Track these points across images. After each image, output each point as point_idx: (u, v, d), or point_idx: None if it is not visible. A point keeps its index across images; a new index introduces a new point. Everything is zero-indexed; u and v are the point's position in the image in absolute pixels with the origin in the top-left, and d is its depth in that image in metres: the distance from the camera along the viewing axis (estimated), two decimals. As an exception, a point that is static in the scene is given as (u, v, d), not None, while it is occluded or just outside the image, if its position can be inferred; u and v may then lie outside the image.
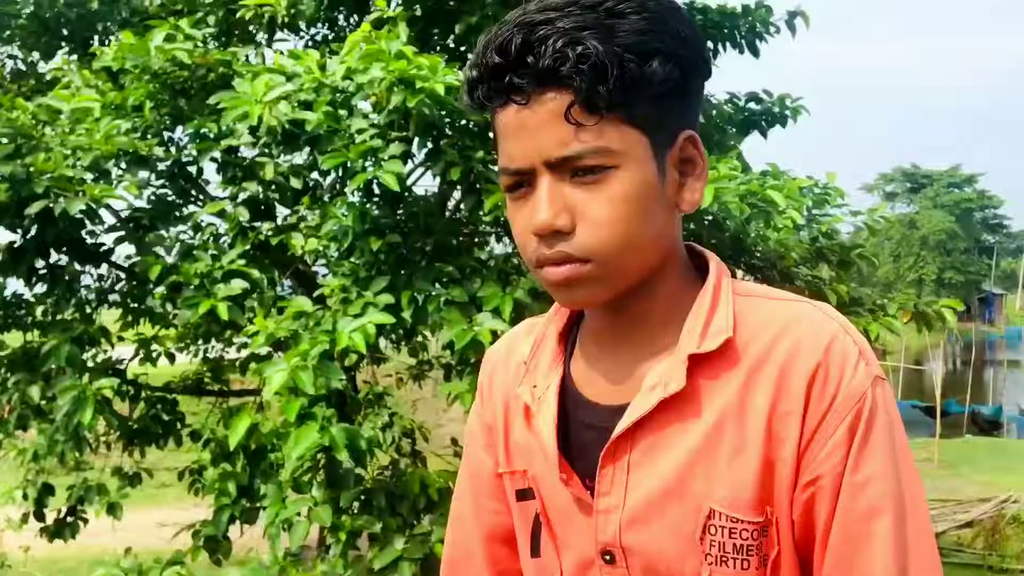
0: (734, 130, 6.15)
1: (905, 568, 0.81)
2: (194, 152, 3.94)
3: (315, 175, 3.89)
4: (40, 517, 4.28)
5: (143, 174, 3.88)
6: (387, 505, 3.64)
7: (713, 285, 0.90)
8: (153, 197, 4.08)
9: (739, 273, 4.46)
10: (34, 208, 3.30)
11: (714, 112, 5.73)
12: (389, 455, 4.19)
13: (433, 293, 3.26)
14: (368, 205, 3.28)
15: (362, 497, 3.68)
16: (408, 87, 2.85)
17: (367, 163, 3.21)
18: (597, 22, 0.80)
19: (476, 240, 3.91)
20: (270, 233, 3.79)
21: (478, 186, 3.15)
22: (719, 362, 0.86)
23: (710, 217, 3.53)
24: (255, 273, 3.65)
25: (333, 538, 3.58)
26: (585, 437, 0.92)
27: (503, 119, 0.85)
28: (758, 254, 3.89)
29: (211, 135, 3.80)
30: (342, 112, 3.28)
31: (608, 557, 0.90)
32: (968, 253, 48.68)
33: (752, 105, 6.10)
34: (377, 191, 3.35)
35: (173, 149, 4.10)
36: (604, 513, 0.89)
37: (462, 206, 3.40)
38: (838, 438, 0.82)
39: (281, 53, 3.68)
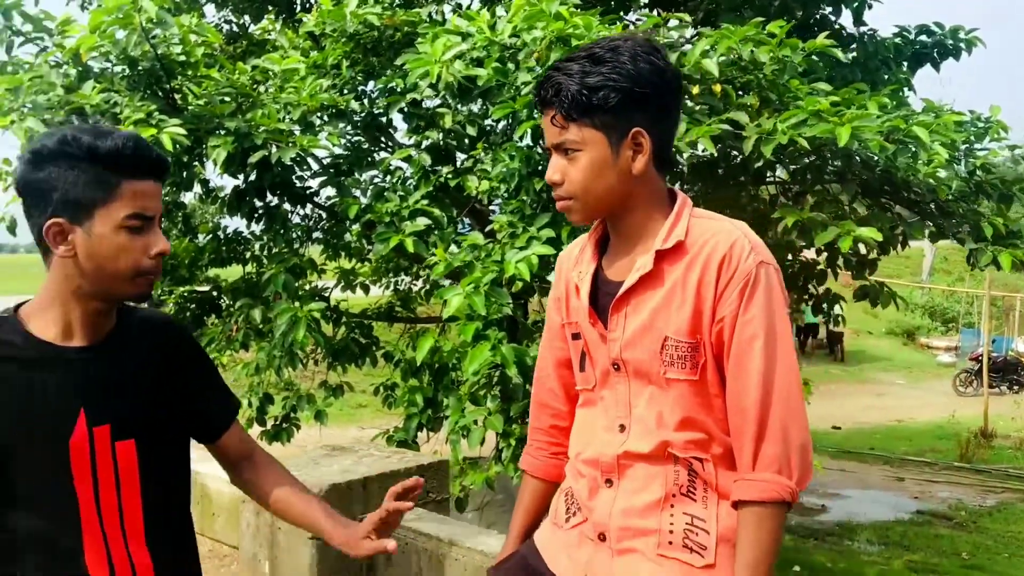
0: (904, 64, 6.08)
1: (772, 368, 1.39)
2: (383, 105, 4.46)
3: (488, 123, 4.32)
4: (261, 423, 5.04)
5: (341, 125, 4.44)
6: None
7: (676, 211, 1.50)
8: (350, 145, 4.65)
9: (897, 208, 4.56)
10: (255, 157, 3.92)
11: (876, 47, 5.70)
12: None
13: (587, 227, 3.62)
14: (533, 149, 3.66)
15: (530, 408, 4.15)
16: (565, 44, 3.20)
17: (533, 113, 3.58)
18: (581, 70, 1.42)
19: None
20: (449, 176, 4.28)
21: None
22: (674, 255, 1.46)
23: (858, 157, 3.69)
24: (436, 211, 4.15)
25: (504, 443, 4.08)
26: (604, 300, 1.54)
27: (543, 121, 1.52)
28: (914, 189, 4.00)
29: (398, 89, 4.30)
30: (510, 67, 3.66)
31: (616, 366, 1.52)
32: None
33: (923, 38, 6.00)
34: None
35: (366, 102, 4.64)
36: (613, 341, 1.51)
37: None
38: (734, 295, 1.41)
39: (458, 13, 4.10)
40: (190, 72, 4.24)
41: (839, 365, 17.96)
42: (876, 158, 3.60)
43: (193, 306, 5.68)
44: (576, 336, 1.59)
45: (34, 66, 4.12)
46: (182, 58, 4.15)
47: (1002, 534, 7.09)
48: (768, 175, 4.11)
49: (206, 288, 5.66)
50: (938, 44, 5.97)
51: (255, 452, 1.67)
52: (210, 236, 5.70)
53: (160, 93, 4.21)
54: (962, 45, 5.97)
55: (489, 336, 3.88)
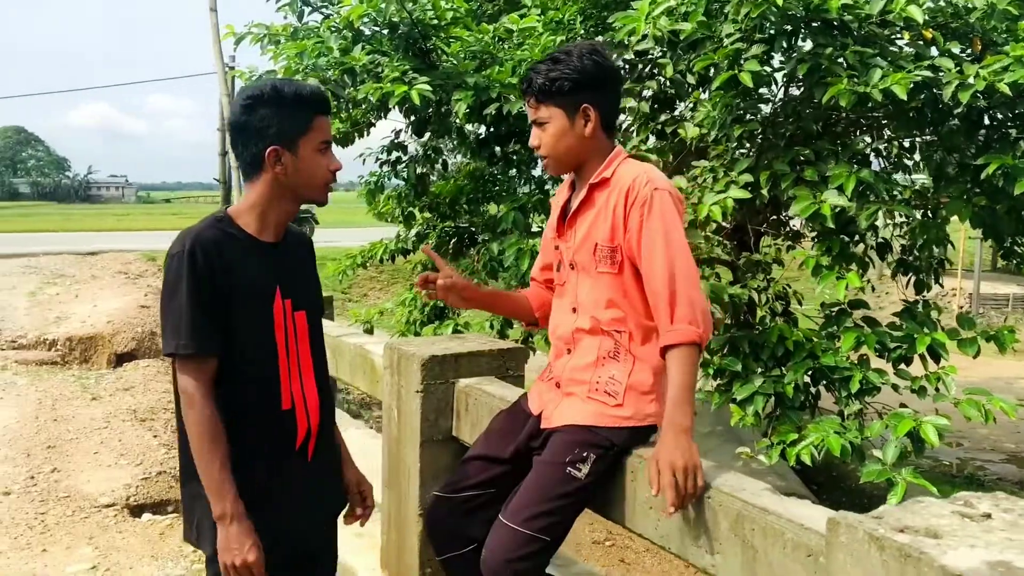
0: None
1: (672, 257, 1.87)
2: (611, 57, 4.83)
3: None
4: (502, 342, 5.68)
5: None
6: (750, 351, 4.35)
7: (608, 160, 2.05)
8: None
9: None
10: (490, 109, 4.47)
11: None
12: (763, 311, 4.85)
13: (788, 173, 3.81)
14: (731, 99, 3.90)
15: (730, 343, 4.43)
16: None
17: (735, 64, 3.81)
18: (546, 68, 1.96)
19: (841, 127, 4.32)
20: (667, 122, 4.59)
21: (823, 79, 3.60)
22: (602, 187, 2.03)
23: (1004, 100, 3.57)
24: (653, 157, 4.49)
25: (703, 372, 4.40)
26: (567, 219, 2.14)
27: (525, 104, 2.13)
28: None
29: (624, 42, 4.65)
30: (716, 20, 3.90)
31: (571, 266, 2.09)
32: None
33: None
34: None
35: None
36: (568, 248, 2.09)
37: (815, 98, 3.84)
38: (635, 211, 1.95)
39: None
40: (442, 33, 4.86)
41: None
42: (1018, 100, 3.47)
43: (454, 240, 6.45)
44: (557, 248, 2.16)
45: (318, 32, 4.93)
46: (435, 21, 4.78)
47: None
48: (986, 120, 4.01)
49: (465, 224, 6.39)
50: None
51: None
52: (468, 178, 6.40)
53: (418, 53, 4.88)
54: None
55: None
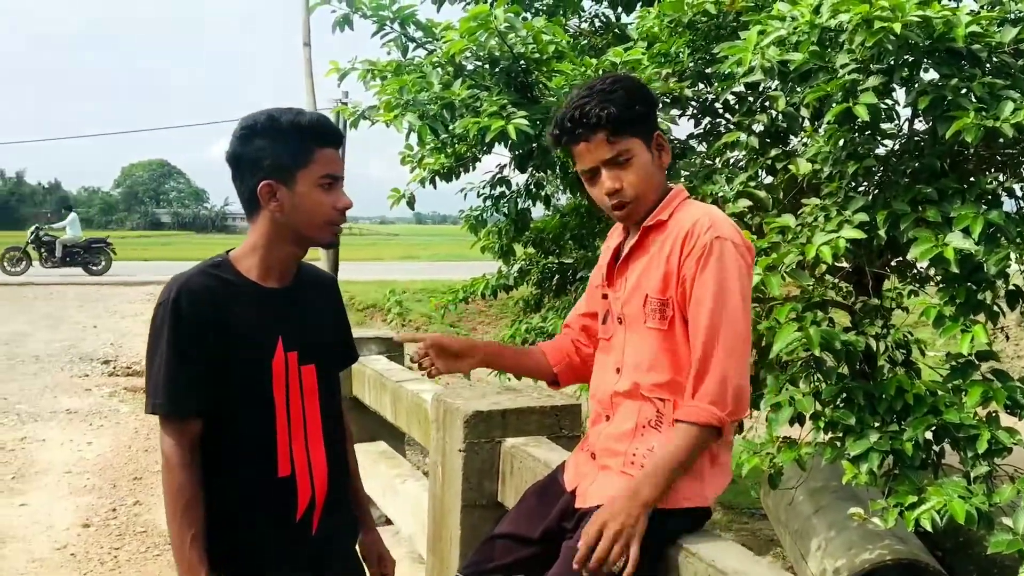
0: None
1: (718, 321, 1.66)
2: (718, 90, 4.63)
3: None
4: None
5: (674, 112, 4.70)
6: (865, 403, 4.02)
7: (667, 199, 1.87)
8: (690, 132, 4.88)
9: None
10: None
11: None
12: (881, 360, 4.50)
13: (908, 212, 3.52)
14: (847, 133, 3.64)
15: (844, 393, 4.11)
16: (868, 27, 3.17)
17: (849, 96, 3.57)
18: (605, 99, 1.75)
19: (971, 165, 3.98)
20: (777, 158, 4.35)
21: (947, 112, 3.30)
22: (658, 231, 1.84)
23: None
24: (761, 194, 4.26)
25: (813, 425, 4.10)
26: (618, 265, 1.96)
27: (576, 150, 1.87)
28: None
29: (733, 74, 4.44)
30: (830, 50, 3.67)
31: (619, 320, 1.90)
32: None
33: None
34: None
35: (703, 87, 4.84)
36: (617, 299, 1.91)
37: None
38: (692, 261, 1.76)
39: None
40: (544, 67, 4.77)
41: None
42: None
43: (556, 276, 6.34)
44: (605, 296, 1.96)
45: (420, 67, 4.92)
46: (536, 55, 4.69)
47: None
48: None
49: (570, 260, 6.27)
50: None
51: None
52: (573, 212, 6.28)
53: (519, 87, 4.80)
54: None
55: (806, 317, 3.94)
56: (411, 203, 6.04)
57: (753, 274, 1.89)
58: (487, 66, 4.77)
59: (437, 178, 5.65)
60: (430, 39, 5.14)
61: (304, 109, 1.80)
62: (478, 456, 2.26)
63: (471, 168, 5.78)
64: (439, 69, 4.86)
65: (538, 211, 6.37)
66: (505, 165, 6.08)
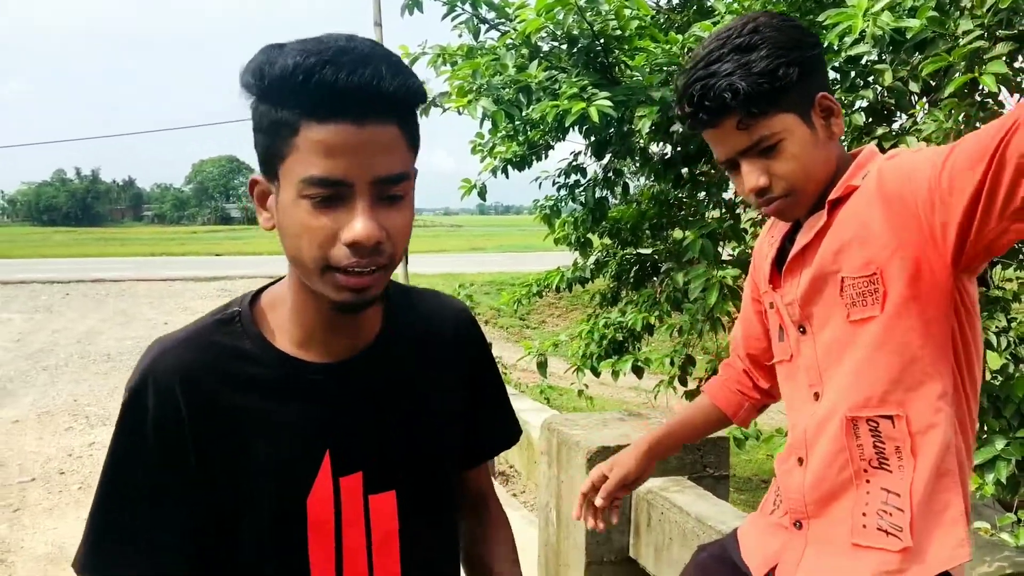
0: None
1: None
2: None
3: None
4: (683, 381, 5.19)
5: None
6: (990, 406, 3.65)
7: (857, 162, 1.36)
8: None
9: None
10: (677, 126, 4.02)
11: None
12: (1003, 358, 4.11)
13: None
14: (971, 107, 3.27)
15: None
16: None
17: (974, 65, 3.20)
18: (740, 63, 1.30)
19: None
20: (885, 136, 3.97)
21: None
22: (846, 198, 1.33)
23: None
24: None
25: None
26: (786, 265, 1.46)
27: (706, 135, 1.41)
28: None
29: (834, 47, 4.08)
30: (952, 14, 3.30)
31: (802, 329, 1.41)
32: None
33: None
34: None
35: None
36: (791, 303, 1.41)
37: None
38: (898, 176, 1.26)
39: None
40: (626, 46, 4.46)
41: None
42: None
43: (636, 268, 6.03)
44: (772, 305, 1.50)
45: (494, 49, 4.66)
46: (617, 32, 4.39)
47: None
48: None
49: (649, 251, 5.95)
50: None
51: (489, 500, 1.31)
52: (652, 201, 5.96)
53: (599, 67, 4.50)
54: None
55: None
56: (483, 194, 5.79)
57: None
58: (565, 46, 4.49)
59: (509, 167, 5.38)
60: (503, 19, 4.86)
61: (333, 42, 0.92)
62: (605, 503, 1.91)
63: (544, 156, 5.50)
64: (514, 51, 4.58)
65: (617, 200, 6.06)
66: (580, 152, 5.78)
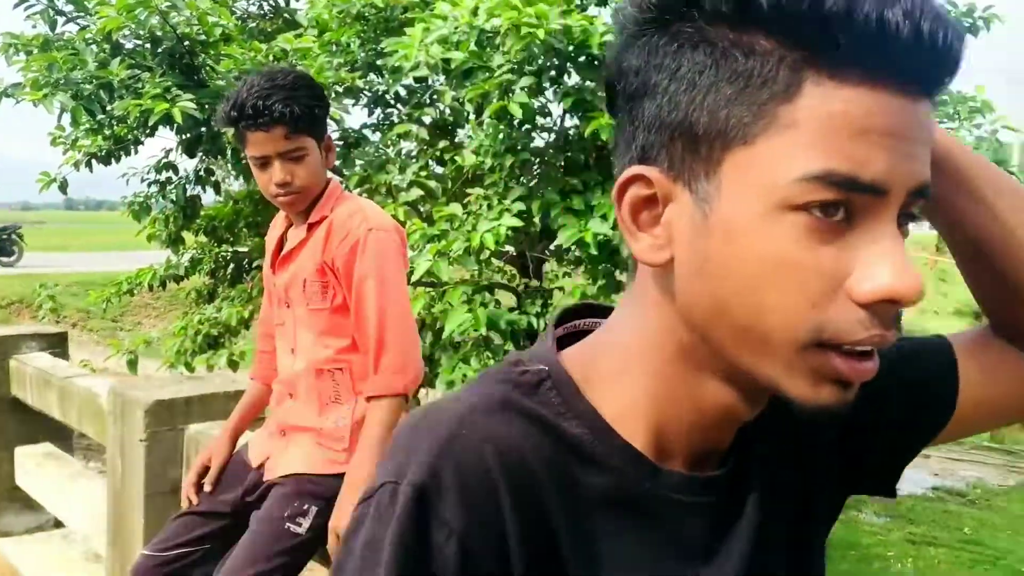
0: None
1: (384, 302, 1.79)
2: (389, 82, 4.78)
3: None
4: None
5: (347, 101, 4.78)
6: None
7: (327, 194, 1.97)
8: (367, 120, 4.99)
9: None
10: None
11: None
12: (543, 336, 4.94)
13: (557, 201, 3.90)
14: (506, 129, 3.95)
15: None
16: (517, 31, 3.47)
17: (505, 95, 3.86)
18: (288, 96, 1.81)
19: (612, 158, 4.48)
20: (446, 150, 4.59)
21: (588, 112, 3.71)
22: (320, 224, 1.95)
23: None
24: (432, 184, 4.48)
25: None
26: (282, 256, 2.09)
27: (251, 136, 1.85)
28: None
29: (404, 68, 4.61)
30: (488, 50, 3.95)
31: (286, 304, 1.92)
32: None
33: (939, 16, 6.00)
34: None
35: (374, 79, 4.97)
36: (282, 286, 2.16)
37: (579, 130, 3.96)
38: (347, 250, 1.88)
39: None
40: (211, 50, 4.63)
41: (898, 343, 17.53)
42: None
43: (231, 265, 6.17)
44: (274, 285, 2.09)
45: (72, 43, 4.56)
46: (202, 37, 4.54)
47: (1012, 513, 7.13)
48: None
49: (245, 249, 6.12)
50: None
51: None
52: (248, 200, 6.13)
53: (184, 69, 4.62)
54: (980, 22, 5.95)
55: (475, 299, 4.22)
56: (63, 188, 5.57)
57: (407, 253, 2.03)
58: (148, 45, 4.54)
59: (94, 161, 5.25)
60: (82, 13, 4.77)
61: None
62: (161, 445, 2.26)
63: (134, 151, 5.45)
64: (94, 46, 4.54)
65: (209, 197, 6.15)
66: (171, 149, 5.80)
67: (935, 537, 6.36)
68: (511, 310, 4.62)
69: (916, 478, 8.25)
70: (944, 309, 20.89)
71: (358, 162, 4.77)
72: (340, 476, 1.85)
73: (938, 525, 6.70)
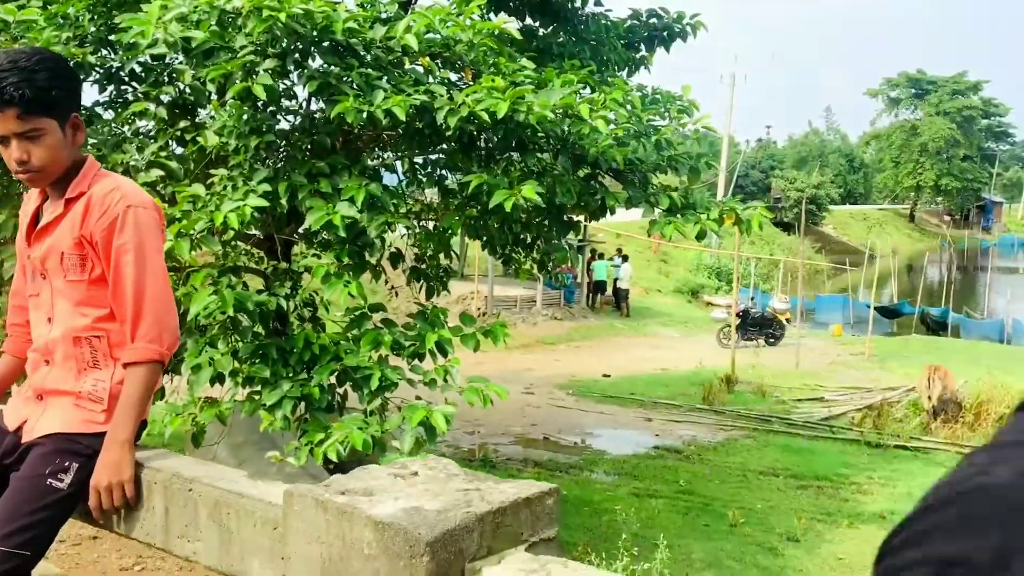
0: (642, 45, 6.75)
1: (142, 273, 1.89)
2: (124, 59, 4.63)
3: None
4: None
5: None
6: (279, 357, 4.47)
7: (83, 172, 2.00)
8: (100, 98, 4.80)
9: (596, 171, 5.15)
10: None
11: (606, 28, 6.29)
12: (292, 319, 5.01)
13: (304, 184, 3.99)
14: (250, 110, 3.98)
15: (260, 350, 4.51)
16: (259, 14, 3.54)
17: (250, 75, 3.89)
18: (25, 76, 1.83)
19: (361, 143, 4.63)
20: (187, 130, 4.52)
21: (333, 96, 3.84)
22: (78, 199, 1.96)
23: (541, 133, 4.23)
24: (172, 164, 4.40)
25: (232, 381, 4.43)
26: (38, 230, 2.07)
27: None
28: (598, 159, 4.57)
29: (141, 45, 4.48)
30: (231, 30, 3.95)
31: (42, 275, 2.07)
32: (969, 160, 48.13)
33: (653, 21, 6.66)
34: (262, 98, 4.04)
35: (107, 55, 4.78)
36: (38, 259, 2.04)
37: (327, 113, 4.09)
38: (106, 225, 1.93)
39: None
40: (-83, 16, 4.26)
41: (624, 320, 19.11)
42: (555, 130, 4.14)
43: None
44: (29, 257, 2.12)
45: None
46: (-94, 2, 4.18)
47: (719, 464, 8.09)
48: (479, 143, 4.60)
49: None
50: (667, 27, 6.64)
51: None
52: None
53: None
54: (688, 28, 6.67)
55: (221, 282, 4.22)
56: None
57: (165, 230, 2.12)
58: None
59: None
60: None
61: None
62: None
63: None
64: None
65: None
66: None
67: (656, 490, 7.08)
68: (259, 292, 4.65)
69: (640, 439, 9.10)
70: (667, 288, 22.91)
71: (91, 141, 4.58)
72: (100, 436, 1.92)
73: (658, 479, 7.46)
